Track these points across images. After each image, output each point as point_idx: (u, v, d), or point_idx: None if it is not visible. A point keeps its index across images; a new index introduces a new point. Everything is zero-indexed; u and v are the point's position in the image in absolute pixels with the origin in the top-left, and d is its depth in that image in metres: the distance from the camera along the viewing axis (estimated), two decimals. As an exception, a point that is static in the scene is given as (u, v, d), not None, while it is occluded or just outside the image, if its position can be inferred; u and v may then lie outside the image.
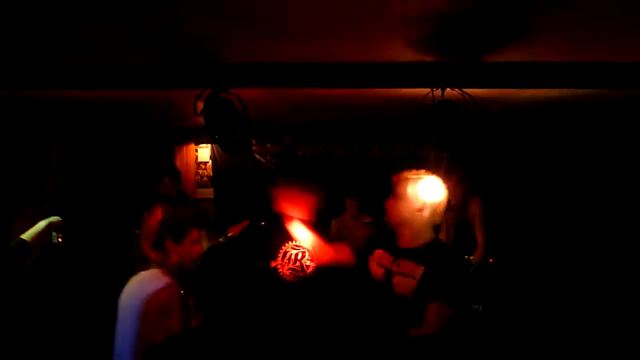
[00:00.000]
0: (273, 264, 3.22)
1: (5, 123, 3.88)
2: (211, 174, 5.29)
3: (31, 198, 3.85)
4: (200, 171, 5.32)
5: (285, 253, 3.23)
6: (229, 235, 3.74)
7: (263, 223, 4.53)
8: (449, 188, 4.13)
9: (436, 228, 2.13)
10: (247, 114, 2.63)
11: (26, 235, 2.12)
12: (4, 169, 3.72)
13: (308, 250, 3.19)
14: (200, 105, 2.58)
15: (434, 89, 2.63)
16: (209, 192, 5.26)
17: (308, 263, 3.27)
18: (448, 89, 2.62)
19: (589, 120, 4.56)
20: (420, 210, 2.03)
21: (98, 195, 4.51)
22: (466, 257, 3.84)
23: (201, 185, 5.30)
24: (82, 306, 3.62)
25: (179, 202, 3.49)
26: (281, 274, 3.23)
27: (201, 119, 2.59)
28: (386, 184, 5.53)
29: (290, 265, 3.15)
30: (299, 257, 3.21)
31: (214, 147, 5.23)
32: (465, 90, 2.59)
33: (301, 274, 3.22)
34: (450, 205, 4.08)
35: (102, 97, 3.58)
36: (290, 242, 3.24)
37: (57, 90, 2.74)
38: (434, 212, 2.05)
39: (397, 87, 2.62)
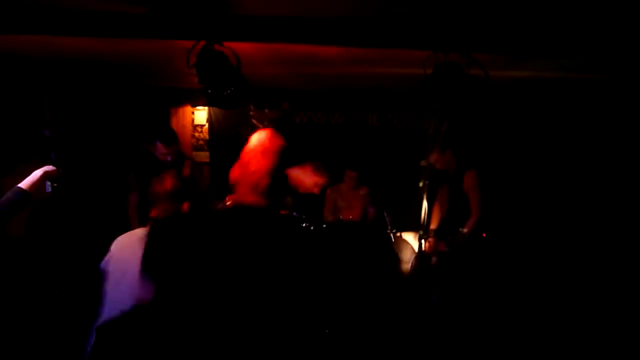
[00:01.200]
0: None
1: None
2: (207, 138, 5.21)
3: (22, 155, 3.79)
4: (197, 134, 5.23)
5: None
6: (228, 204, 3.70)
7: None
8: (443, 160, 4.14)
9: None
10: (243, 71, 2.55)
11: (24, 185, 2.08)
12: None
13: None
14: (194, 58, 2.48)
15: (437, 52, 2.53)
16: (204, 156, 5.19)
17: None
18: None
19: (592, 98, 4.48)
20: None
21: (90, 152, 4.43)
22: (460, 229, 3.84)
23: (197, 148, 5.22)
24: (73, 267, 3.61)
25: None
26: None
27: (197, 80, 2.51)
28: (384, 154, 5.51)
29: None
30: None
31: (211, 111, 5.13)
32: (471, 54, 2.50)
33: None
34: (445, 177, 4.12)
35: (96, 53, 3.48)
36: None
37: (46, 35, 2.62)
38: None
39: (399, 47, 2.51)
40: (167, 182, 2.26)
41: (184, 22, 2.46)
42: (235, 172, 2.40)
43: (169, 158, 3.69)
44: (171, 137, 3.76)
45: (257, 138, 2.38)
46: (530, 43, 2.52)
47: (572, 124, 4.69)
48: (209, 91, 2.41)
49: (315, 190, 2.79)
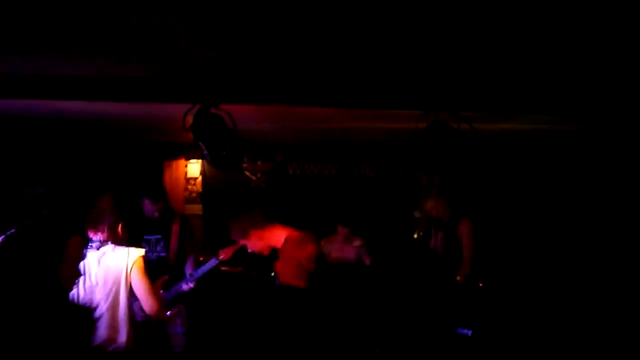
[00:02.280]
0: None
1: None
2: (200, 190, 5.22)
3: (15, 213, 3.76)
4: (190, 187, 5.25)
5: None
6: (220, 258, 3.67)
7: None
8: (438, 208, 4.20)
9: None
10: (238, 130, 2.60)
11: None
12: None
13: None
14: (190, 120, 2.53)
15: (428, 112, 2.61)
16: (197, 209, 5.19)
17: None
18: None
19: (580, 146, 4.60)
20: None
21: (82, 207, 4.40)
22: (455, 277, 3.86)
23: (190, 201, 5.22)
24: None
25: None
26: None
27: (191, 134, 2.55)
28: (378, 204, 5.54)
29: None
30: None
31: (204, 163, 5.17)
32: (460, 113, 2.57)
33: None
34: (439, 224, 4.16)
35: (91, 113, 3.54)
36: None
37: (40, 99, 2.67)
38: None
39: (390, 108, 2.59)
40: None
41: (181, 85, 2.52)
42: None
43: (156, 215, 3.67)
44: (158, 194, 3.73)
45: None
46: (512, 101, 2.62)
47: (560, 172, 4.79)
48: (205, 153, 2.44)
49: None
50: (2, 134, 3.75)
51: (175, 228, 3.77)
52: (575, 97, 2.74)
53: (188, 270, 3.76)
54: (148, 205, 3.63)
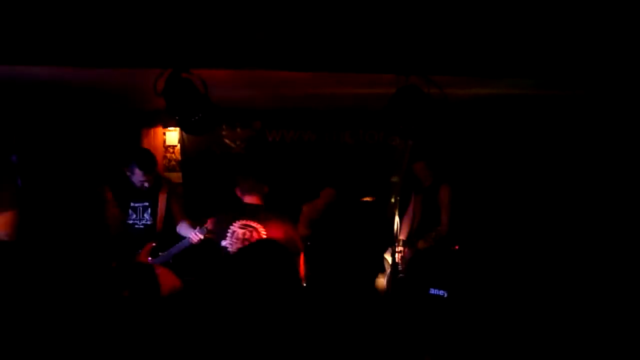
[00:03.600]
0: (223, 244, 3.25)
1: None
2: (179, 158, 5.21)
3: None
4: (168, 155, 5.23)
5: (232, 232, 3.24)
6: (206, 226, 3.63)
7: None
8: (418, 172, 4.27)
9: None
10: (214, 97, 2.59)
11: None
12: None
13: (255, 229, 3.22)
14: (161, 85, 2.52)
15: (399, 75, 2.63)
16: (177, 177, 5.17)
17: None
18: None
19: (558, 111, 4.65)
20: None
21: (58, 176, 4.38)
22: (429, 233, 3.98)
23: (169, 169, 5.21)
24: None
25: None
26: (230, 252, 3.24)
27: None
28: (357, 170, 5.59)
29: (239, 246, 3.14)
30: (247, 236, 3.20)
31: (182, 131, 5.14)
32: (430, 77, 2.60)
33: None
34: (420, 188, 4.24)
35: (64, 80, 3.48)
36: (238, 222, 3.26)
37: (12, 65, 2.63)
38: None
39: (361, 71, 2.60)
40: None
41: (151, 50, 2.50)
42: None
43: (146, 185, 3.58)
44: (152, 163, 3.58)
45: None
46: (485, 65, 2.64)
47: (539, 136, 4.85)
48: (177, 118, 2.44)
49: None
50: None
51: (163, 195, 3.75)
52: (548, 60, 2.78)
53: (183, 231, 3.69)
54: (139, 176, 3.50)
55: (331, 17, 2.00)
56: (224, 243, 3.23)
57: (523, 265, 4.41)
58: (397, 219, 4.58)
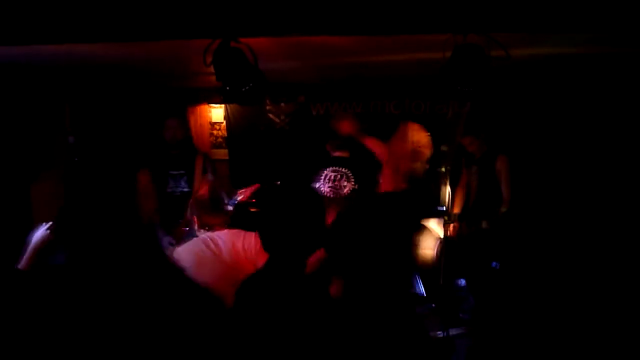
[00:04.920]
0: (316, 185, 3.78)
1: (19, 89, 3.85)
2: (225, 135, 5.24)
3: (46, 162, 3.86)
4: (215, 132, 5.26)
5: (325, 175, 3.81)
6: (239, 199, 3.70)
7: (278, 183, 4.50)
8: (468, 146, 4.10)
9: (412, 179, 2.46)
10: (260, 68, 2.55)
11: None
12: (18, 135, 3.70)
13: (346, 173, 3.77)
14: (210, 57, 2.49)
15: (456, 35, 2.49)
16: (223, 153, 5.22)
17: (345, 184, 3.77)
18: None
19: (618, 73, 4.32)
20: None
21: (111, 156, 4.49)
22: (483, 223, 3.83)
23: (216, 145, 5.25)
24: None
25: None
26: (322, 192, 3.75)
27: (214, 79, 2.52)
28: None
29: (329, 185, 3.74)
30: (337, 178, 3.78)
31: (228, 107, 5.15)
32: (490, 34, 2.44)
33: (338, 192, 3.76)
34: (472, 160, 4.08)
35: (112, 58, 3.52)
36: (330, 168, 3.82)
37: (62, 44, 2.66)
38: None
39: (413, 32, 2.47)
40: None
41: (199, 20, 2.46)
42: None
43: (179, 135, 3.77)
44: (179, 112, 3.91)
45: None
46: (547, 19, 2.46)
47: (598, 100, 4.53)
48: (227, 88, 2.41)
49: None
50: (29, 84, 3.79)
51: (199, 163, 3.87)
52: (614, 12, 2.56)
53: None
54: (170, 123, 3.77)
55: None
56: (317, 185, 3.78)
57: (586, 240, 4.18)
58: (448, 190, 4.45)
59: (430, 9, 2.44)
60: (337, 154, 3.88)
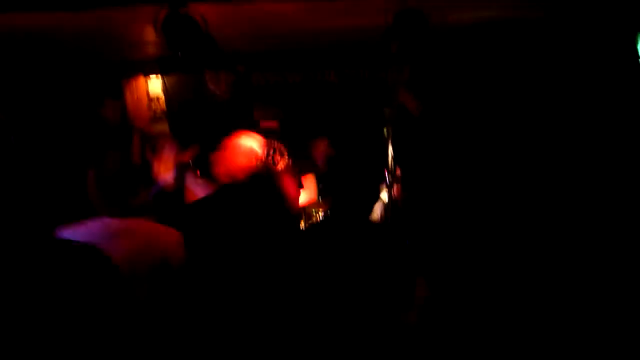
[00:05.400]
0: None
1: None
2: (165, 108, 5.10)
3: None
4: (154, 106, 5.11)
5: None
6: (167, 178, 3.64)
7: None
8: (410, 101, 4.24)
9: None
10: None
11: None
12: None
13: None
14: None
15: None
16: (164, 127, 5.10)
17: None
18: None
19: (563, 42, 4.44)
20: None
21: (45, 133, 4.28)
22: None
23: (156, 119, 5.11)
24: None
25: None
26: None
27: (150, 49, 2.49)
28: (345, 109, 5.55)
29: None
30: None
31: (166, 80, 5.02)
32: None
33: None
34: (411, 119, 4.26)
35: (43, 30, 3.33)
36: None
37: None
38: None
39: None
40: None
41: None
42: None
43: (118, 114, 3.72)
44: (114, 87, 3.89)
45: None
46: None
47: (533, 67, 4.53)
48: (180, 55, 2.40)
49: None
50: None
51: (136, 139, 3.82)
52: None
53: None
54: (110, 103, 3.84)
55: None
56: None
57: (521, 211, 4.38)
58: (390, 151, 4.64)
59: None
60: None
